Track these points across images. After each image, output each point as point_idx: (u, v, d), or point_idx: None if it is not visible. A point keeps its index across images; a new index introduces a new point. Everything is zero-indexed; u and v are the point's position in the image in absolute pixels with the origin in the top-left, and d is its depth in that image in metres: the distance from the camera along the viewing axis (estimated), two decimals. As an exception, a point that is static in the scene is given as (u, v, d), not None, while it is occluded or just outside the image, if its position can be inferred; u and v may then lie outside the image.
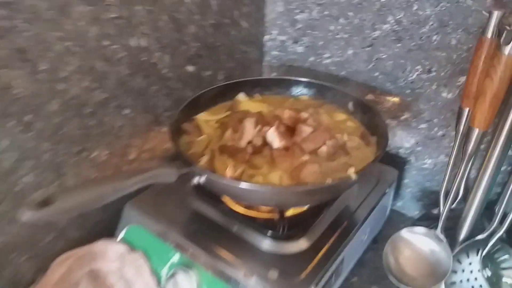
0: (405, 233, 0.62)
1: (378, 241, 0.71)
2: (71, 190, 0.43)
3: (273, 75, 0.90)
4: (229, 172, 0.50)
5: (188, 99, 0.66)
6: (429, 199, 0.74)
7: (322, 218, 0.59)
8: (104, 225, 0.67)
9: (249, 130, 0.61)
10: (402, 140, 0.74)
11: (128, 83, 0.63)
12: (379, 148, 0.57)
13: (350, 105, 0.68)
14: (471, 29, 0.58)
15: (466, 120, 0.56)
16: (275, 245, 0.55)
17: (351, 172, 0.49)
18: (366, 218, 0.62)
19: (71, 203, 0.42)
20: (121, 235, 0.63)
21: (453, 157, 0.60)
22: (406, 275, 0.60)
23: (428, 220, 0.67)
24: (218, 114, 0.69)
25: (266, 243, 0.56)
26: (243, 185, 0.47)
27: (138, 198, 0.65)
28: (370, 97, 0.74)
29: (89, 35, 0.54)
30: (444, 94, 0.65)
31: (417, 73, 0.66)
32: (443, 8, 0.59)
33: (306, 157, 0.57)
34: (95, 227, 0.67)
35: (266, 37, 0.86)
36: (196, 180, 0.52)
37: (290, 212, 0.60)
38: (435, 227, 0.62)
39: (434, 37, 0.62)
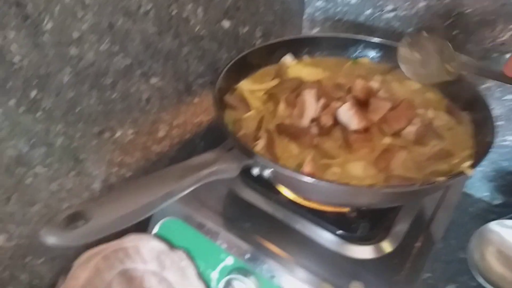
0: (494, 226, 0.53)
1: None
2: (108, 200, 0.32)
3: (316, 30, 0.75)
4: (307, 167, 0.39)
5: (228, 64, 0.53)
6: (505, 180, 0.64)
7: (401, 213, 0.49)
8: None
9: (311, 105, 0.49)
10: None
11: (155, 45, 0.49)
12: (480, 129, 0.46)
13: (427, 71, 0.56)
14: None
15: None
16: (352, 249, 0.45)
17: (466, 167, 0.38)
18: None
19: (110, 218, 0.31)
20: (155, 229, 0.53)
21: None
22: (494, 273, 0.51)
23: (508, 207, 0.58)
24: (264, 82, 0.57)
25: (340, 245, 0.46)
26: (334, 186, 0.36)
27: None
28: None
29: (107, -22, 0.40)
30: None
31: (510, 33, 0.53)
32: None
33: (387, 140, 0.46)
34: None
35: (310, -16, 0.70)
36: (256, 171, 0.41)
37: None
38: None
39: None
